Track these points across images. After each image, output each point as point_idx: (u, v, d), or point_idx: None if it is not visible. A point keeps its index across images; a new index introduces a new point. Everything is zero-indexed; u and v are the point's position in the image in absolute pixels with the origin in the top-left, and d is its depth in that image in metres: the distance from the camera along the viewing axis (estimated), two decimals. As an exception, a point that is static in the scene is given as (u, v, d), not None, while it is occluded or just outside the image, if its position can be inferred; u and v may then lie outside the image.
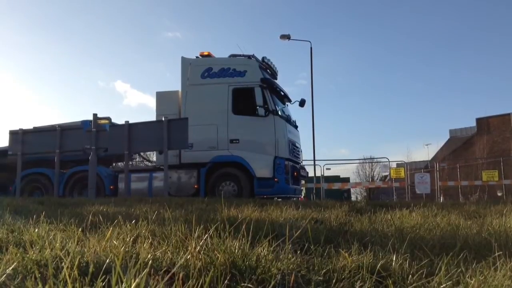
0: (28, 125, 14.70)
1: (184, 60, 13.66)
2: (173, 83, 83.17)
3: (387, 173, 26.14)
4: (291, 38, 20.85)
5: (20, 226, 2.86)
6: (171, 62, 75.75)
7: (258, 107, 12.55)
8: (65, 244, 1.94)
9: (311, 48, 21.43)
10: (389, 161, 22.23)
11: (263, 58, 14.12)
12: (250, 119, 12.72)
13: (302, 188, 15.83)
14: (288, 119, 13.82)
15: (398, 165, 23.12)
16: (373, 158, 40.49)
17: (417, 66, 73.97)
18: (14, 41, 60.02)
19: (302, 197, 16.39)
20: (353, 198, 31.35)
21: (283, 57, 68.03)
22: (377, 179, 40.91)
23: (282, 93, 14.26)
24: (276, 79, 15.05)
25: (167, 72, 69.90)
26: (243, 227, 1.87)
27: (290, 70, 73.13)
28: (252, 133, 12.60)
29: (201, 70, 13.33)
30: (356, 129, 78.08)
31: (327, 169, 21.59)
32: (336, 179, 26.66)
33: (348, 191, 28.21)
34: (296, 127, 14.78)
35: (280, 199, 11.65)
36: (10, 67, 63.10)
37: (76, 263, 1.47)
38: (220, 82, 13.09)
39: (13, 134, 12.92)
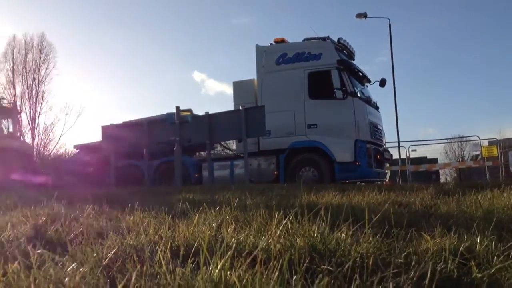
0: (117, 120, 15.81)
1: (258, 48, 13.76)
2: (249, 70, 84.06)
3: (478, 152, 24.46)
4: (367, 17, 20.12)
5: (117, 215, 3.14)
6: (245, 50, 76.65)
7: (335, 90, 12.31)
8: (158, 229, 2.09)
9: (389, 25, 20.57)
10: (479, 139, 20.77)
11: (338, 39, 13.78)
12: (328, 103, 12.53)
13: (386, 171, 15.34)
14: (368, 100, 13.42)
15: (490, 143, 21.47)
16: (462, 137, 38.03)
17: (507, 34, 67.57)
18: (92, 37, 64.20)
19: (386, 180, 15.89)
20: (442, 180, 29.76)
21: (361, 36, 65.73)
22: (467, 158, 38.42)
23: (361, 74, 13.84)
24: (354, 59, 14.62)
25: (242, 59, 70.87)
26: (322, 212, 1.90)
27: (368, 48, 70.44)
28: (331, 117, 12.40)
29: (276, 57, 13.34)
30: (442, 107, 73.52)
31: (412, 150, 20.69)
32: (423, 160, 25.39)
33: (437, 172, 26.76)
34: (377, 108, 14.30)
35: (363, 184, 11.42)
36: (95, 62, 67.80)
37: (169, 246, 1.60)
38: (295, 67, 13.01)
39: (106, 129, 13.99)
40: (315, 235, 1.65)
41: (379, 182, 13.01)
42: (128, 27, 67.36)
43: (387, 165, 15.18)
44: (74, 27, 61.67)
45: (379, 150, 13.14)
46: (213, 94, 68.95)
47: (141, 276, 1.19)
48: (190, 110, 13.95)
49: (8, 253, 1.60)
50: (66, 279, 1.17)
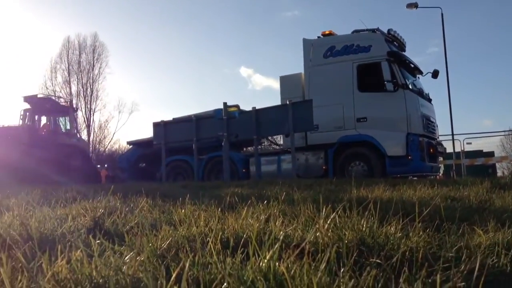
0: (168, 116, 16.30)
1: (306, 42, 13.66)
2: (295, 64, 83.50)
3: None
4: (418, 6, 19.45)
5: (169, 207, 3.25)
6: (292, 43, 76.18)
7: (386, 82, 12.02)
8: (208, 222, 2.16)
9: (442, 14, 19.79)
10: (539, 132, 19.56)
11: (388, 30, 13.42)
12: (378, 96, 12.26)
13: (439, 165, 14.81)
14: (420, 93, 13.00)
15: (551, 136, 20.13)
16: (521, 129, 35.91)
17: None
18: (142, 35, 65.97)
19: (440, 175, 15.34)
20: (499, 173, 28.28)
21: (412, 27, 63.51)
22: (527, 151, 36.31)
23: (412, 65, 13.42)
24: (405, 51, 14.19)
25: (289, 54, 70.44)
26: (371, 206, 1.88)
27: (420, 39, 67.97)
28: (381, 110, 12.12)
29: (324, 50, 13.20)
30: (500, 97, 69.64)
31: (467, 143, 19.83)
32: (478, 153, 24.24)
33: (493, 166, 25.46)
34: (429, 100, 13.82)
35: (415, 178, 11.11)
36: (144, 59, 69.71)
37: (219, 238, 1.65)
38: (344, 60, 12.82)
39: (156, 125, 14.44)
40: (364, 229, 1.64)
41: (432, 177, 12.58)
42: (176, 24, 68.92)
43: (441, 159, 14.63)
44: (125, 26, 63.90)
45: (432, 143, 12.71)
46: (260, 89, 69.18)
47: (193, 265, 1.24)
48: (237, 106, 14.12)
49: (70, 242, 1.72)
50: (125, 267, 1.25)
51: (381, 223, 1.74)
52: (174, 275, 0.92)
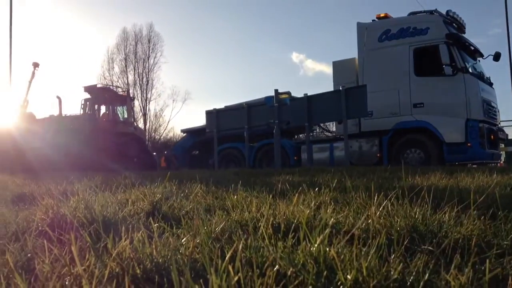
0: (220, 104, 16.57)
1: (360, 26, 13.35)
2: (349, 49, 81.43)
3: None
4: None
5: (222, 194, 3.35)
6: (345, 28, 74.10)
7: (444, 66, 11.54)
8: (260, 208, 2.21)
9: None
10: None
11: (447, 11, 12.81)
12: (435, 80, 11.80)
13: (500, 152, 14.06)
14: (480, 76, 12.35)
15: None
16: None
17: None
18: (195, 24, 66.89)
19: (501, 162, 14.56)
20: None
21: (472, 7, 60.04)
22: None
23: (472, 48, 12.76)
24: (464, 33, 13.51)
25: (342, 38, 68.85)
26: (425, 193, 1.85)
27: (480, 20, 64.13)
28: (439, 95, 11.66)
29: (378, 34, 12.85)
30: None
31: (531, 129, 18.60)
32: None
33: (560, 153, 23.77)
34: (490, 84, 13.11)
35: (474, 166, 10.64)
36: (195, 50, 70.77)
37: (270, 223, 1.69)
38: (400, 44, 12.43)
39: (209, 114, 14.73)
40: (416, 216, 1.62)
41: (492, 165, 11.98)
42: (227, 12, 69.21)
43: (502, 145, 13.88)
44: (178, 15, 65.13)
45: (492, 129, 12.09)
46: (311, 75, 68.21)
47: (246, 248, 1.29)
48: (288, 93, 14.07)
49: (132, 224, 1.83)
50: (182, 248, 1.32)
51: (435, 211, 1.71)
52: (228, 256, 0.97)
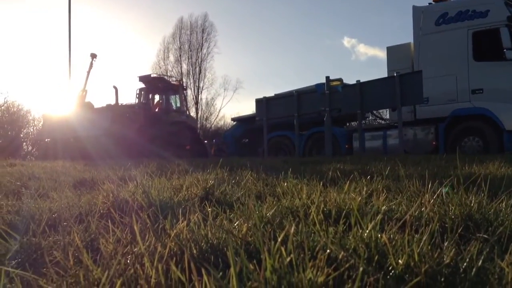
0: (271, 93, 16.56)
1: (416, 9, 12.84)
2: (403, 33, 78.37)
3: None
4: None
5: (272, 181, 3.39)
6: (399, 11, 71.44)
7: (505, 50, 10.90)
8: (310, 195, 2.23)
9: None
10: None
11: (509, -8, 12.05)
12: (496, 65, 11.18)
13: None
14: (545, 61, 11.56)
15: None
16: None
17: None
18: (247, 11, 66.87)
19: None
20: None
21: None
22: None
23: (537, 30, 11.95)
24: (527, 14, 12.65)
25: (396, 22, 66.45)
26: (482, 182, 1.80)
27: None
28: (499, 81, 11.04)
29: (435, 17, 12.31)
30: None
31: None
32: None
33: None
34: (555, 69, 12.23)
35: (538, 155, 10.04)
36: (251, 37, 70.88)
37: (321, 209, 1.71)
38: (458, 27, 11.85)
39: (259, 102, 14.79)
40: (472, 204, 1.58)
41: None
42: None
43: None
44: (231, 4, 65.46)
45: (559, 116, 11.30)
46: (364, 59, 66.42)
47: (297, 232, 1.32)
48: (340, 80, 13.83)
49: (187, 208, 1.91)
50: (235, 230, 1.37)
51: (491, 200, 1.65)
52: (280, 238, 1.00)
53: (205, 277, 0.85)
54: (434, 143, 11.97)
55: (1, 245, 1.53)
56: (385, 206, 1.72)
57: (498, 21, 11.14)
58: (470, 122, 11.45)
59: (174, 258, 1.17)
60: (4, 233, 1.60)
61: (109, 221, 1.69)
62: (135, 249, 1.21)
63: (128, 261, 1.17)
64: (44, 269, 1.29)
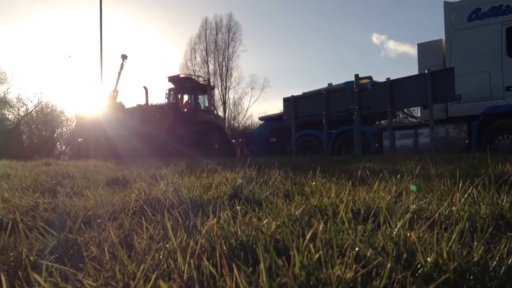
0: (298, 91, 16.53)
1: (447, 5, 12.55)
2: (434, 30, 76.50)
3: None
4: None
5: (301, 180, 3.39)
6: (430, 6, 69.72)
7: (540, 46, 10.55)
8: (339, 194, 2.23)
9: None
10: None
11: (544, -14, 11.62)
12: None
13: None
14: None
15: None
16: None
17: None
18: (274, 10, 66.66)
19: None
20: None
21: None
22: None
23: None
24: None
25: (426, 18, 64.88)
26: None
27: None
28: None
29: (468, 13, 12.00)
30: None
31: None
32: None
33: None
34: None
35: None
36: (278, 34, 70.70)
37: (349, 208, 1.71)
38: (491, 23, 11.52)
39: (286, 101, 14.76)
40: (504, 203, 1.55)
41: None
42: (306, -1, 68.24)
43: None
44: (256, 2, 65.47)
45: None
46: (394, 56, 65.15)
47: (325, 231, 1.33)
48: (369, 78, 13.66)
49: (217, 205, 1.94)
50: (264, 228, 1.39)
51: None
52: (309, 235, 1.02)
53: (235, 272, 0.87)
54: (466, 141, 11.68)
55: (39, 241, 1.61)
56: (414, 205, 1.71)
57: (533, 16, 10.79)
58: (504, 120, 11.12)
59: (206, 254, 1.20)
60: (42, 230, 1.67)
61: (142, 218, 1.74)
62: (168, 245, 1.25)
63: (161, 256, 1.21)
64: (81, 264, 1.35)
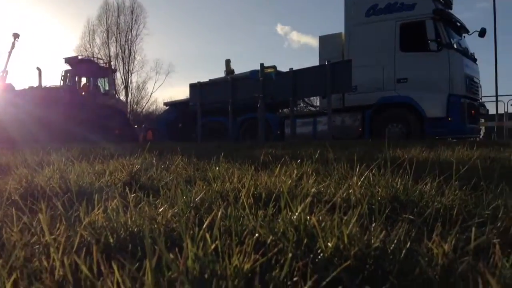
0: (205, 78, 16.37)
1: (348, 0, 13.20)
2: (335, 22, 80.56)
3: None
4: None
5: (204, 165, 3.29)
6: (331, 0, 73.28)
7: (429, 42, 11.56)
8: (241, 179, 2.18)
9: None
10: None
11: (434, -13, 12.73)
12: (420, 56, 11.83)
13: (480, 127, 14.30)
14: (465, 52, 12.42)
15: None
16: None
17: None
18: None
19: (480, 137, 14.79)
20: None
21: (458, -18, 59.56)
22: None
23: (458, 24, 12.77)
24: (451, 8, 13.49)
25: (329, 11, 68.04)
26: (404, 165, 1.84)
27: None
28: (423, 71, 11.70)
29: (366, 8, 12.75)
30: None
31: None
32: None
33: (539, 130, 24.21)
34: (474, 60, 13.19)
35: (454, 140, 10.82)
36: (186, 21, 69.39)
37: (251, 193, 1.66)
38: (386, 19, 12.36)
39: (193, 87, 14.53)
40: (398, 186, 1.61)
41: (472, 139, 12.19)
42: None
43: (482, 120, 14.08)
44: (162, -13, 63.33)
45: (474, 104, 12.24)
46: (297, 47, 67.56)
47: (225, 217, 1.26)
48: (274, 67, 13.93)
49: (107, 194, 1.77)
50: (159, 217, 1.28)
51: (416, 182, 1.70)
52: (206, 224, 0.93)
53: (116, 273, 0.75)
54: (360, 129, 12.47)
55: None
56: (314, 189, 1.71)
57: (424, 13, 11.76)
58: (394, 110, 12.04)
59: (88, 249, 1.06)
60: None
61: (18, 208, 1.52)
62: (43, 240, 1.08)
63: (33, 253, 1.04)
64: None
